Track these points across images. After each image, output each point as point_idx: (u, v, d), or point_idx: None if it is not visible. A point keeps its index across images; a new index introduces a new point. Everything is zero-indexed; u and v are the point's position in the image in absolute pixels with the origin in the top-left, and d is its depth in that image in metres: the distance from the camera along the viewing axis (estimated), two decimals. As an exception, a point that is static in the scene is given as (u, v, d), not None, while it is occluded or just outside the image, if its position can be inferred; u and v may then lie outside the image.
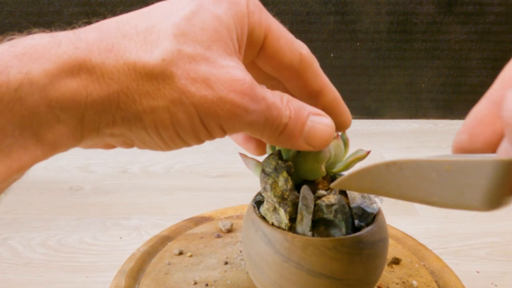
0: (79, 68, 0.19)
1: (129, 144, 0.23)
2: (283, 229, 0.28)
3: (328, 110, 0.27)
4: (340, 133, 0.31)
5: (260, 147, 0.31)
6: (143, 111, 0.21)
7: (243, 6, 0.23)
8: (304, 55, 0.26)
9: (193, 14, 0.22)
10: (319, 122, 0.25)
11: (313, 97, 0.27)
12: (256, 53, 0.26)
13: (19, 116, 0.18)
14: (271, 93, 0.24)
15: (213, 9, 0.22)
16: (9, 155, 0.18)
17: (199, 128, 0.22)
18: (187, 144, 0.23)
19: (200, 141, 0.23)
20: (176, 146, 0.23)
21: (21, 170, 0.19)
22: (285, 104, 0.24)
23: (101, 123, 0.20)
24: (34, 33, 0.20)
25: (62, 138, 0.19)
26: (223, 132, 0.23)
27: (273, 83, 0.28)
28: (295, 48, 0.26)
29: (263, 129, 0.24)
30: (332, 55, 0.87)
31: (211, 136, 0.23)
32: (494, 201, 0.18)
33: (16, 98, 0.17)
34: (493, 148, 0.20)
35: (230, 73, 0.22)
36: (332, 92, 0.28)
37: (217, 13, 0.22)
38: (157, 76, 0.20)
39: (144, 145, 0.23)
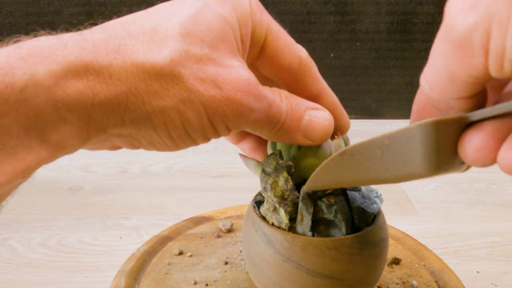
0: (86, 69, 0.19)
1: (135, 146, 0.23)
2: (283, 229, 0.28)
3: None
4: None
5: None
6: (152, 112, 0.21)
7: (246, 6, 0.24)
8: (303, 59, 0.26)
9: (198, 13, 0.22)
10: (316, 116, 0.26)
11: (311, 101, 0.28)
12: (257, 54, 0.26)
13: (24, 117, 0.18)
14: (271, 90, 0.24)
15: (218, 9, 0.22)
16: (14, 155, 0.18)
17: (207, 126, 0.22)
18: (195, 142, 0.23)
19: (207, 139, 0.24)
20: (185, 145, 0.23)
21: (27, 171, 0.19)
22: (283, 100, 0.25)
23: (108, 124, 0.20)
24: (40, 35, 0.20)
25: (68, 138, 0.19)
26: (228, 130, 0.23)
27: (272, 86, 0.28)
28: (294, 50, 0.26)
29: (263, 126, 0.24)
30: (332, 55, 0.87)
31: (217, 134, 0.23)
32: (434, 164, 0.19)
33: (21, 99, 0.17)
34: None
35: (237, 73, 0.22)
36: (330, 96, 0.28)
37: (222, 13, 0.22)
38: (165, 76, 0.21)
39: (151, 145, 0.23)
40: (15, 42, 0.19)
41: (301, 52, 0.26)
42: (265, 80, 0.28)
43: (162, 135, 0.22)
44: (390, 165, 0.20)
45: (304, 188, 0.27)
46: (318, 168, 0.25)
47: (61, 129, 0.19)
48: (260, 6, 0.25)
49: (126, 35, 0.21)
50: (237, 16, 0.23)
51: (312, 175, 0.25)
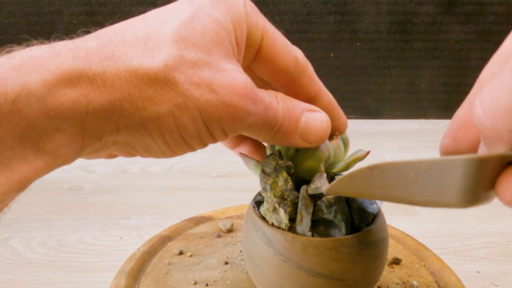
0: (79, 77, 0.19)
1: (131, 153, 0.23)
2: (283, 229, 0.28)
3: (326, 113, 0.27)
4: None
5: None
6: (147, 118, 0.21)
7: (241, 8, 0.23)
8: (299, 59, 0.26)
9: (192, 18, 0.22)
10: (313, 118, 0.26)
11: (308, 102, 0.27)
12: (253, 56, 0.26)
13: (18, 127, 0.18)
14: (267, 93, 0.24)
15: (212, 13, 0.22)
16: (9, 166, 0.18)
17: (203, 131, 0.22)
18: (191, 148, 0.23)
19: (204, 144, 0.23)
20: (181, 150, 0.23)
21: (23, 182, 0.19)
22: (280, 102, 0.25)
23: (103, 131, 0.20)
24: (33, 44, 0.20)
25: (63, 147, 0.19)
26: (225, 135, 0.23)
27: (269, 89, 0.28)
28: (290, 51, 0.26)
29: (260, 129, 0.24)
30: (332, 55, 0.87)
31: (214, 139, 0.23)
32: (469, 198, 0.18)
33: (14, 110, 0.17)
34: (477, 150, 0.20)
35: (233, 77, 0.22)
36: (327, 96, 0.28)
37: (216, 16, 0.22)
38: (160, 81, 0.20)
39: (147, 152, 0.23)
40: (7, 52, 0.19)
41: (297, 53, 0.26)
42: (261, 82, 0.28)
43: (158, 141, 0.22)
44: (422, 190, 0.20)
45: (325, 192, 0.26)
46: (343, 176, 0.24)
47: (55, 138, 0.19)
48: (254, 8, 0.25)
49: (119, 42, 0.20)
50: (231, 19, 0.23)
51: (335, 182, 0.25)
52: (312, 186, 0.27)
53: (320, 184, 0.27)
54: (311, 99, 0.28)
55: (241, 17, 0.23)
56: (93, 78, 0.19)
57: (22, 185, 0.19)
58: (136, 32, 0.21)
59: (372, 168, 0.22)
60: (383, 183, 0.22)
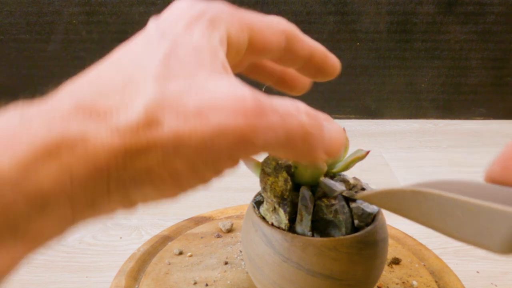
0: (57, 148, 0.17)
1: (130, 207, 0.21)
2: (283, 229, 0.28)
3: (321, 65, 0.26)
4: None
5: None
6: (135, 174, 0.18)
7: (218, 23, 0.21)
8: (287, 31, 0.24)
9: (168, 57, 0.20)
10: (333, 129, 0.22)
11: (308, 61, 0.26)
12: (243, 54, 0.24)
13: None
14: (279, 100, 0.20)
15: (186, 41, 0.20)
16: None
17: (203, 171, 0.20)
18: (193, 188, 0.21)
19: (205, 181, 0.21)
20: (182, 192, 0.21)
21: (5, 271, 0.17)
22: (300, 110, 0.20)
23: (94, 199, 0.18)
24: (2, 107, 0.18)
25: (48, 228, 0.17)
26: (234, 163, 0.20)
27: (262, 67, 0.27)
28: (278, 28, 0.24)
29: (283, 144, 0.20)
30: (332, 55, 0.87)
31: (218, 172, 0.21)
32: (511, 249, 0.18)
33: None
34: None
35: (225, 93, 0.19)
36: (319, 48, 0.26)
37: (193, 43, 0.20)
38: (144, 129, 0.18)
39: (145, 202, 0.21)
40: None
41: (281, 25, 0.24)
42: (253, 66, 0.27)
43: (152, 193, 0.20)
44: (464, 228, 0.19)
45: (357, 196, 0.26)
46: (382, 190, 0.23)
47: (39, 221, 0.17)
48: (234, 13, 0.22)
49: (95, 93, 0.18)
50: (210, 37, 0.21)
51: (372, 193, 0.24)
52: (338, 190, 0.28)
53: (336, 188, 0.28)
54: (309, 58, 0.26)
55: (220, 31, 0.21)
56: (73, 145, 0.17)
57: (2, 274, 0.17)
58: (112, 79, 0.19)
59: (414, 193, 0.21)
60: (422, 210, 0.21)
